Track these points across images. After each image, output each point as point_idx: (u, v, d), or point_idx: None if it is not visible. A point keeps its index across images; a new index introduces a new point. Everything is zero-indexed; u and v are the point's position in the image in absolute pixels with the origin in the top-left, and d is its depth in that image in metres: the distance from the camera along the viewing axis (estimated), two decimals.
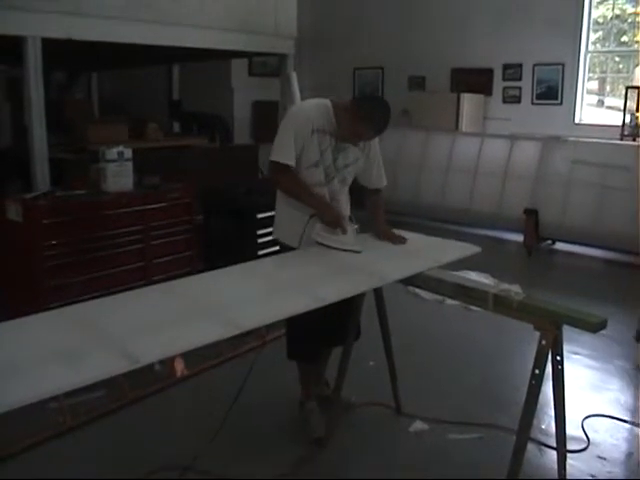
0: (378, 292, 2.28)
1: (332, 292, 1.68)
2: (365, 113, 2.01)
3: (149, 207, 3.36)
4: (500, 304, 1.77)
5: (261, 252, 3.45)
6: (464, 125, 6.38)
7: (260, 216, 3.52)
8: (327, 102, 2.12)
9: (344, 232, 1.94)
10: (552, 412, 1.85)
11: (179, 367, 2.77)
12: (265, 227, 3.56)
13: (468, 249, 2.26)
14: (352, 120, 2.02)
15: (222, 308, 1.52)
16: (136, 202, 3.30)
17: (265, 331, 3.04)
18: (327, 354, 2.50)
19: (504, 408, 2.46)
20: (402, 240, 2.22)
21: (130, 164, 3.33)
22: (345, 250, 1.92)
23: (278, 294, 1.66)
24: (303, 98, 4.65)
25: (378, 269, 1.92)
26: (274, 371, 2.72)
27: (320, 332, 2.26)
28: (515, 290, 1.82)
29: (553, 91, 6.28)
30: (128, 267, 3.26)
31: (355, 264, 1.93)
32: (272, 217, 3.61)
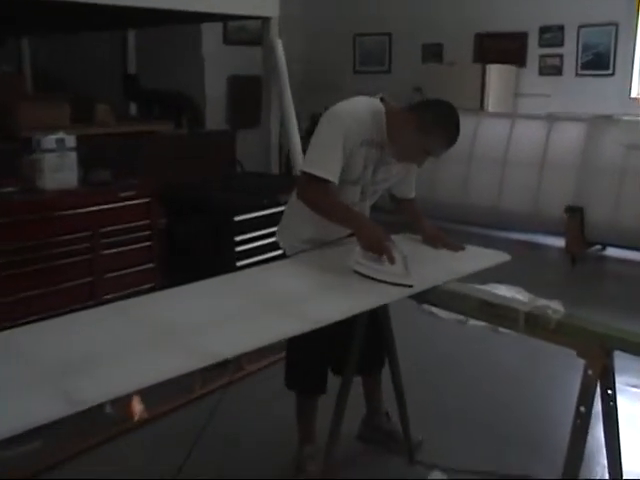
0: (383, 311, 2.29)
1: (327, 312, 1.69)
2: (433, 126, 2.02)
3: (98, 209, 3.35)
4: (534, 325, 1.78)
5: (240, 263, 3.47)
6: (491, 104, 6.44)
7: (238, 218, 3.53)
8: (379, 104, 2.13)
9: (392, 261, 1.92)
10: (605, 461, 1.85)
11: (136, 409, 2.77)
12: (245, 232, 3.59)
13: (495, 257, 2.28)
14: (418, 136, 2.04)
15: (190, 333, 1.53)
16: (81, 202, 3.29)
17: (245, 361, 3.05)
18: (376, 378, 2.57)
19: (543, 455, 2.47)
20: (461, 247, 2.29)
21: (74, 155, 3.32)
22: (392, 284, 1.90)
23: (261, 315, 1.67)
24: (291, 72, 4.65)
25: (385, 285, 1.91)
26: (257, 408, 2.71)
27: (328, 355, 2.31)
28: (554, 307, 1.84)
29: (603, 59, 6.33)
30: (72, 283, 3.24)
31: (358, 276, 1.95)
32: (253, 220, 3.59)
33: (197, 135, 5.50)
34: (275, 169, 4.84)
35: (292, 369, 2.40)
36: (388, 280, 1.90)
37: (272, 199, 3.65)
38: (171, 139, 5.11)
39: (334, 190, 2.09)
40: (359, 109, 2.10)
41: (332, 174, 2.03)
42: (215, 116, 7.09)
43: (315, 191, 2.06)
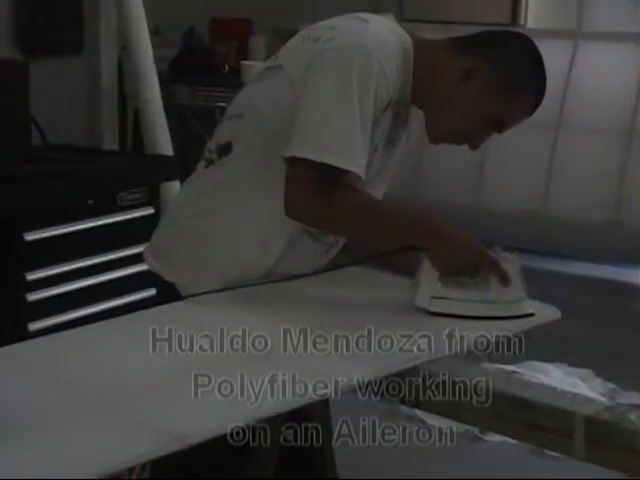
0: (321, 415, 2.35)
1: (205, 419, 1.70)
2: (516, 84, 2.23)
3: None
4: (603, 442, 1.79)
5: (36, 325, 3.49)
6: (532, 13, 6.62)
7: (32, 238, 3.53)
8: (403, 33, 2.26)
9: (506, 281, 2.14)
10: None
11: None
12: (45, 264, 3.62)
13: (538, 312, 2.28)
14: (486, 99, 2.21)
15: None
16: None
17: None
18: None
19: None
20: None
21: None
22: (514, 317, 2.13)
23: (72, 425, 1.64)
24: None
25: (323, 360, 1.95)
26: None
27: None
28: None
29: None
30: None
31: (274, 350, 1.95)
32: (62, 240, 3.60)
33: None
34: (110, 141, 4.87)
35: None
36: (497, 314, 2.12)
37: (105, 199, 3.65)
38: None
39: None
40: (390, 41, 2.20)
41: (358, 164, 2.10)
42: None
43: (338, 193, 2.13)
